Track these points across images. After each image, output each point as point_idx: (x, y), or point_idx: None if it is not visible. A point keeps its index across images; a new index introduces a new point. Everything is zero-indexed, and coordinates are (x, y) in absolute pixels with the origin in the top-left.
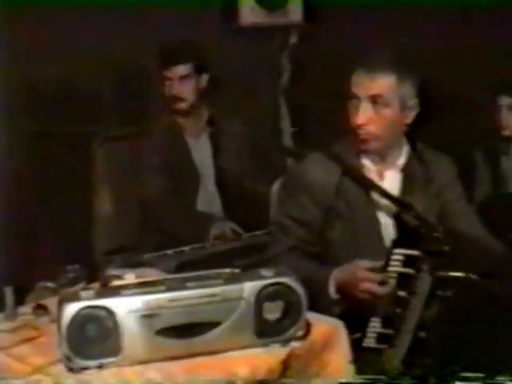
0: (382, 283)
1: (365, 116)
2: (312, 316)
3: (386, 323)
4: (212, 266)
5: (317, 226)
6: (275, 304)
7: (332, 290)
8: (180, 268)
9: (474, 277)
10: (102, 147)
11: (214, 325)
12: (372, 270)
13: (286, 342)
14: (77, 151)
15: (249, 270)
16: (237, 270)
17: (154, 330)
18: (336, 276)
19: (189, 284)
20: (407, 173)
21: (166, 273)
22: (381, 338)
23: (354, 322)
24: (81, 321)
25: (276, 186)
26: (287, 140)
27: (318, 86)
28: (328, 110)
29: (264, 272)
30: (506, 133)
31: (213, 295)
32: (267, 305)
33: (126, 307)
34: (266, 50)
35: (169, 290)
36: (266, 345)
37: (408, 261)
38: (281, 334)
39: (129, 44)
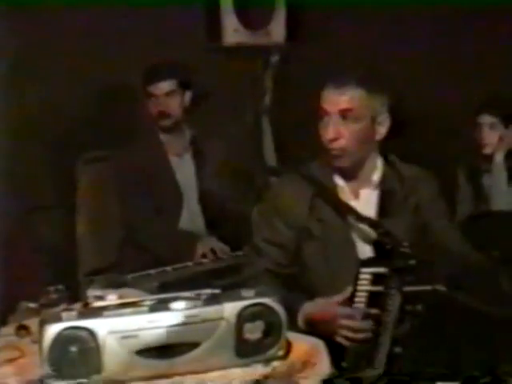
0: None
1: (335, 130)
2: (292, 335)
3: (363, 341)
4: (194, 285)
5: (291, 248)
6: (256, 324)
7: (301, 323)
8: (162, 288)
9: (441, 289)
10: (85, 168)
11: (194, 345)
12: (343, 302)
13: (267, 362)
14: (60, 172)
15: (229, 291)
16: (217, 291)
17: (134, 350)
18: (307, 310)
19: (169, 305)
20: (383, 189)
21: (149, 293)
22: (359, 356)
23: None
24: (62, 341)
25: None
26: (270, 159)
27: (301, 105)
28: (310, 129)
29: (244, 292)
30: (487, 151)
31: (193, 316)
32: (248, 325)
33: (107, 328)
34: (249, 69)
35: (150, 311)
36: (246, 365)
37: (376, 279)
38: (262, 353)
39: (111, 65)
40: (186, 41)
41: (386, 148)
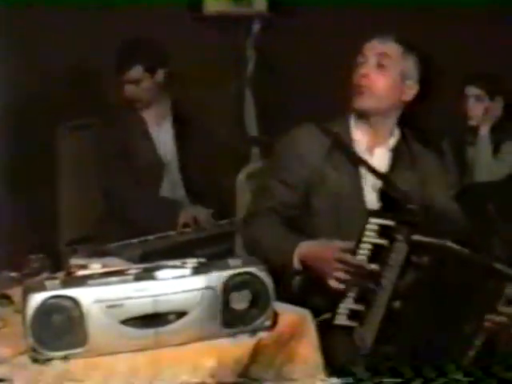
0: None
1: (368, 69)
2: (279, 306)
3: (357, 299)
4: (176, 255)
5: (301, 189)
6: (242, 294)
7: (296, 261)
8: (144, 257)
9: (449, 243)
10: (65, 136)
11: (180, 315)
12: (346, 250)
13: (253, 333)
14: (41, 140)
15: (216, 260)
16: (203, 260)
17: (119, 319)
18: (302, 250)
19: (156, 273)
20: (396, 153)
21: (131, 262)
22: (352, 314)
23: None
24: (46, 311)
25: (241, 175)
26: (252, 129)
27: (284, 75)
28: (294, 98)
29: (231, 262)
30: (472, 123)
31: (179, 285)
32: (234, 295)
33: (92, 297)
34: (231, 39)
35: (136, 279)
36: (233, 335)
37: (383, 232)
38: (248, 324)
39: (92, 35)
40: (167, 10)
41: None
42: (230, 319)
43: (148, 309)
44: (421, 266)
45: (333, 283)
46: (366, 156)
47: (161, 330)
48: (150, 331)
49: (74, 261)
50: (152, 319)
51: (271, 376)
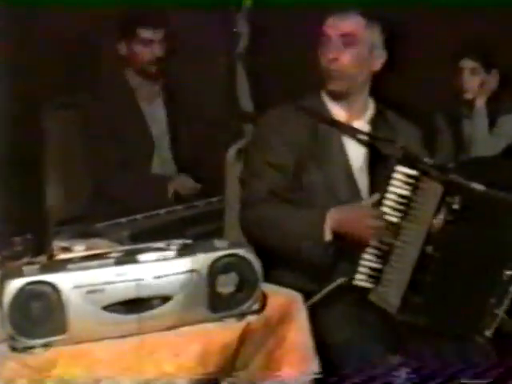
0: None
1: (335, 52)
2: (269, 288)
3: (378, 257)
4: (166, 234)
5: (291, 170)
6: (229, 277)
7: (327, 229)
8: (133, 237)
9: (479, 186)
10: (52, 115)
11: (164, 299)
12: (373, 206)
13: (241, 317)
14: (27, 119)
15: (202, 241)
16: (189, 241)
17: (101, 305)
18: (333, 219)
19: (138, 257)
20: (375, 126)
21: (119, 243)
22: (372, 275)
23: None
24: (24, 298)
25: (232, 151)
26: (246, 105)
27: (277, 50)
28: (287, 74)
29: (218, 243)
30: (468, 96)
31: (163, 268)
32: (221, 277)
33: (72, 282)
34: (222, 13)
35: (117, 263)
36: (219, 319)
37: (406, 183)
38: (235, 307)
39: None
40: None
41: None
42: (217, 303)
43: (130, 294)
44: (453, 209)
45: (374, 243)
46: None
47: (144, 315)
48: (133, 317)
49: (57, 243)
50: (135, 304)
51: (260, 361)
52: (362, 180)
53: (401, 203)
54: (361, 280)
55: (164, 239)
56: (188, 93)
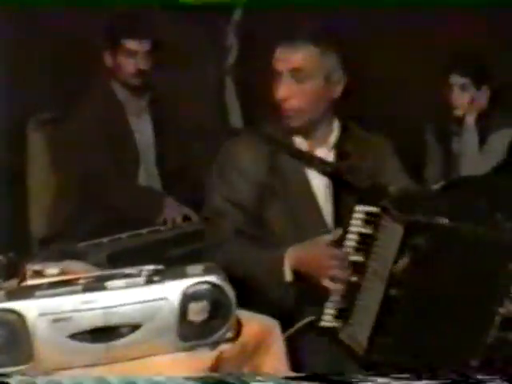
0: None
1: (286, 90)
2: (244, 315)
3: (344, 296)
4: (148, 254)
5: (252, 207)
6: (201, 304)
7: (287, 270)
8: (114, 257)
9: (443, 220)
10: (36, 130)
11: (133, 328)
12: (334, 243)
13: (213, 345)
14: (11, 133)
15: (174, 267)
16: (160, 267)
17: (67, 334)
18: (292, 254)
19: (107, 283)
20: (340, 150)
21: (97, 264)
22: (339, 314)
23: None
24: None
25: None
26: (236, 121)
27: (267, 64)
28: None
29: (190, 269)
30: (458, 113)
31: (132, 296)
32: (192, 305)
33: (38, 310)
34: (211, 26)
35: (85, 290)
36: (191, 349)
37: (369, 219)
38: (208, 336)
39: (61, 21)
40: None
41: (348, 111)
42: (188, 332)
43: (98, 322)
44: (416, 247)
45: (328, 283)
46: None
47: (113, 344)
48: (101, 346)
49: (30, 266)
50: (103, 333)
51: None
52: (327, 209)
53: (363, 242)
54: (327, 321)
55: (146, 260)
56: (176, 108)
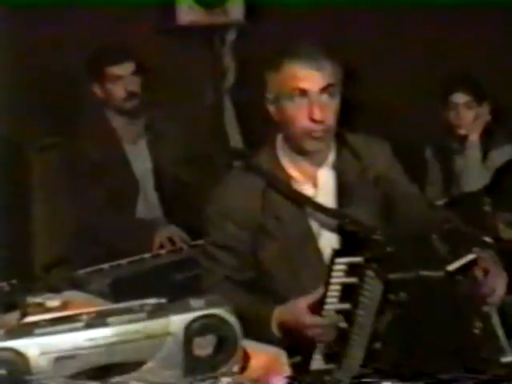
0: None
1: (321, 110)
2: (250, 345)
3: (334, 341)
4: (150, 280)
5: (246, 251)
6: (206, 338)
7: (275, 329)
8: (117, 284)
9: (425, 273)
10: (38, 156)
11: (137, 364)
12: (313, 304)
13: (219, 379)
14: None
15: (177, 301)
16: (163, 300)
17: (70, 372)
18: (278, 316)
19: (109, 320)
20: (339, 169)
21: (99, 292)
22: (329, 356)
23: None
24: None
25: None
26: (236, 142)
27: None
28: None
29: (193, 303)
30: (462, 132)
31: (136, 332)
32: (197, 340)
33: (39, 348)
34: (206, 50)
35: (87, 327)
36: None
37: (351, 270)
38: (214, 370)
39: (55, 48)
40: (139, 21)
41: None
42: (194, 367)
43: (101, 359)
44: (399, 302)
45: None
46: (308, 187)
47: (117, 381)
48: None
49: (31, 299)
50: (106, 370)
51: None
52: (327, 249)
53: (348, 291)
54: (318, 364)
55: (149, 286)
56: (173, 132)
